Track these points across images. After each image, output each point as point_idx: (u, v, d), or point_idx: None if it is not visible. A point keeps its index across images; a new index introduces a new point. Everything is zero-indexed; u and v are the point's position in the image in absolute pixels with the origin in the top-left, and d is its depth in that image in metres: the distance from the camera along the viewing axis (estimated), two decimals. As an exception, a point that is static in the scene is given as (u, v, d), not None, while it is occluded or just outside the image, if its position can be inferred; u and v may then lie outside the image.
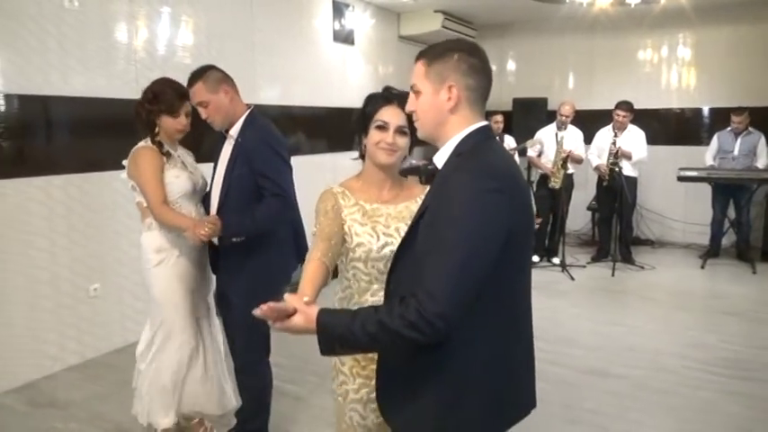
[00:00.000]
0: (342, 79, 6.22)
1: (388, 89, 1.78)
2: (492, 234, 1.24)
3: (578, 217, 7.23)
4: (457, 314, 1.21)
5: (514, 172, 1.38)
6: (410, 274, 1.34)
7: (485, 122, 1.40)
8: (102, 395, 3.33)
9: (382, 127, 1.70)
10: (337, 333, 1.26)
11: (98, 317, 3.85)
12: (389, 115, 1.70)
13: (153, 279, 2.56)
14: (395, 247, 1.62)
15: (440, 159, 1.40)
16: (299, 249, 2.59)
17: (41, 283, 3.54)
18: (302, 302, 1.32)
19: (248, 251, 2.48)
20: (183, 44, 4.40)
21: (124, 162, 2.58)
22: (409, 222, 1.68)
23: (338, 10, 6.04)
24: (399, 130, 1.70)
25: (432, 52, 1.39)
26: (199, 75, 2.45)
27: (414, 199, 1.79)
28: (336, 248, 1.69)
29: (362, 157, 1.80)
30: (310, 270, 1.60)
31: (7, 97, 3.34)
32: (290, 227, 2.57)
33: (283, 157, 2.46)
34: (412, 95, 1.44)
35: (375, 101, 1.74)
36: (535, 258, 6.23)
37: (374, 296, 1.71)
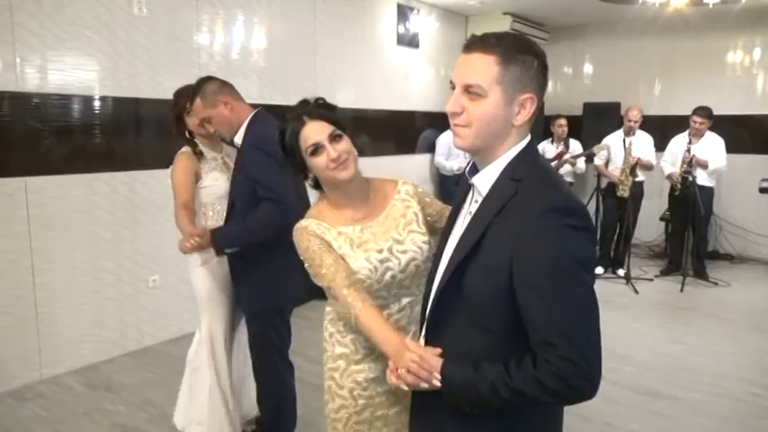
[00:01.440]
0: (405, 82, 6.24)
1: (294, 109, 1.61)
2: (591, 272, 1.15)
3: (651, 227, 6.87)
4: (600, 368, 1.10)
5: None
6: (459, 318, 1.23)
7: (530, 137, 1.25)
8: (153, 381, 3.51)
9: (316, 150, 1.54)
10: (465, 394, 1.17)
11: (156, 307, 4.06)
12: (314, 133, 1.54)
13: (195, 278, 2.66)
14: (395, 270, 1.55)
15: (485, 182, 1.23)
16: (303, 281, 2.46)
17: (105, 272, 3.79)
18: (437, 351, 1.23)
19: (249, 264, 2.40)
20: (245, 49, 4.56)
21: None
22: (396, 233, 1.59)
23: (403, 13, 6.06)
24: (333, 138, 1.54)
25: (505, 48, 1.15)
26: (195, 91, 2.43)
27: (389, 202, 1.64)
28: (363, 284, 1.52)
29: (317, 186, 1.65)
30: (376, 317, 1.42)
31: (80, 98, 3.60)
32: (295, 254, 2.41)
33: (275, 158, 2.20)
34: (461, 95, 1.19)
35: (290, 129, 1.57)
36: (599, 270, 5.99)
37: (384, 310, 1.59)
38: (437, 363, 1.19)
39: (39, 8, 3.35)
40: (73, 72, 3.55)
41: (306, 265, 1.59)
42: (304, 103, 1.62)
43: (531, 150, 1.23)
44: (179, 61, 4.03)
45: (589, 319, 1.11)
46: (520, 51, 1.16)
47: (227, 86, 2.45)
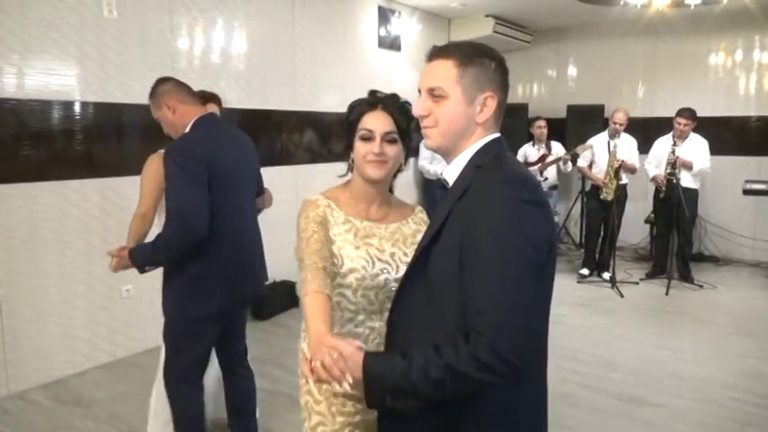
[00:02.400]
0: (387, 86, 6.13)
1: (373, 92, 1.60)
2: (540, 250, 1.13)
3: (636, 230, 6.84)
4: (528, 347, 1.10)
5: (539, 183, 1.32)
6: (422, 306, 1.24)
7: (499, 134, 1.30)
8: (124, 395, 3.39)
9: (367, 137, 1.51)
10: (391, 383, 1.10)
11: (130, 317, 3.94)
12: (374, 122, 1.52)
13: None
14: (390, 276, 1.51)
15: (451, 173, 1.28)
16: (231, 292, 2.31)
17: (76, 282, 3.67)
18: (352, 346, 1.13)
19: (169, 267, 2.30)
20: (222, 52, 4.46)
21: None
22: (403, 247, 1.56)
23: (384, 16, 6.00)
24: (387, 138, 1.52)
25: (462, 53, 1.24)
26: (150, 92, 2.37)
27: (405, 220, 1.63)
28: (331, 276, 1.44)
29: (351, 170, 1.62)
30: (318, 305, 1.31)
31: (46, 103, 3.48)
32: (217, 262, 2.24)
33: (182, 167, 2.12)
34: (426, 99, 1.26)
35: (358, 107, 1.56)
36: (584, 272, 5.95)
37: (358, 327, 1.53)
38: (357, 357, 1.11)
39: (2, 11, 3.24)
40: (39, 76, 3.43)
41: (297, 235, 1.54)
42: (394, 96, 1.60)
43: (497, 143, 1.27)
44: (151, 65, 3.91)
45: (526, 298, 1.10)
46: (476, 55, 1.24)
47: (178, 88, 2.34)
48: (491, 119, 1.26)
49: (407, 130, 1.57)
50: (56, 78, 3.50)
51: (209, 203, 2.16)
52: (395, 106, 1.56)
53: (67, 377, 3.62)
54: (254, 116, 4.71)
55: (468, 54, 1.23)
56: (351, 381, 1.08)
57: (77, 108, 3.62)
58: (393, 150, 1.54)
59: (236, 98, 4.52)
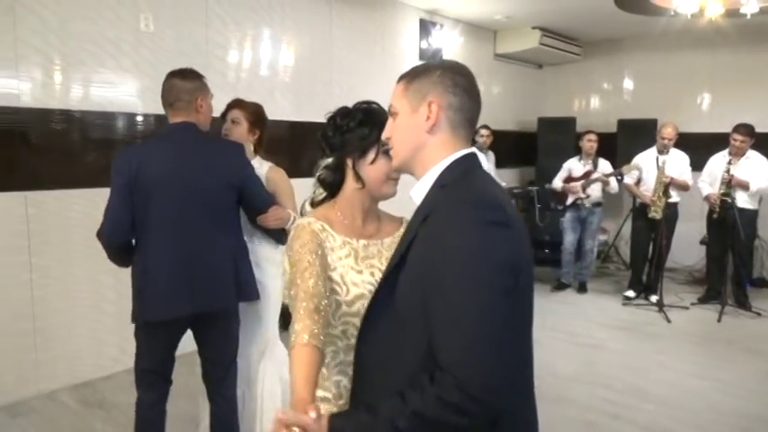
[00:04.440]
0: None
1: (368, 103, 1.50)
2: (508, 275, 1.03)
3: (691, 251, 6.46)
4: (508, 380, 1.01)
5: (509, 202, 1.20)
6: (391, 341, 1.15)
7: (471, 149, 1.22)
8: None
9: (388, 152, 1.35)
10: None
11: (158, 323, 4.02)
12: None
13: None
14: None
15: (418, 193, 1.21)
16: (152, 304, 2.28)
17: (105, 287, 3.77)
18: (309, 419, 1.01)
19: None
20: (257, 64, 4.54)
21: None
22: None
23: (425, 28, 5.96)
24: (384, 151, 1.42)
25: (413, 71, 1.25)
26: None
27: (395, 233, 1.49)
28: (327, 316, 1.30)
29: (337, 185, 1.48)
30: (303, 363, 1.18)
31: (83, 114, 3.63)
32: (139, 271, 2.29)
33: (112, 174, 2.22)
34: (390, 120, 1.27)
35: (377, 116, 1.43)
36: (630, 294, 5.66)
37: None
38: (319, 426, 1.01)
39: (43, 25, 3.40)
40: (77, 88, 3.57)
41: (286, 264, 1.40)
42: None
43: (466, 160, 1.20)
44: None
45: (495, 328, 1.00)
46: (424, 68, 1.23)
47: (163, 94, 2.37)
48: (445, 129, 1.19)
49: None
50: (92, 90, 3.63)
51: (124, 212, 2.22)
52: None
53: (95, 380, 3.72)
54: (286, 127, 4.76)
55: (418, 69, 1.24)
56: None
57: (112, 119, 3.75)
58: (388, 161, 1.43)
59: (270, 110, 4.55)
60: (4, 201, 3.35)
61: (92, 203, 3.66)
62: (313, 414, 1.02)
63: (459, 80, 1.19)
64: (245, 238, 2.51)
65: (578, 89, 7.83)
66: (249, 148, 2.64)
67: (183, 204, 2.26)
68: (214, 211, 2.32)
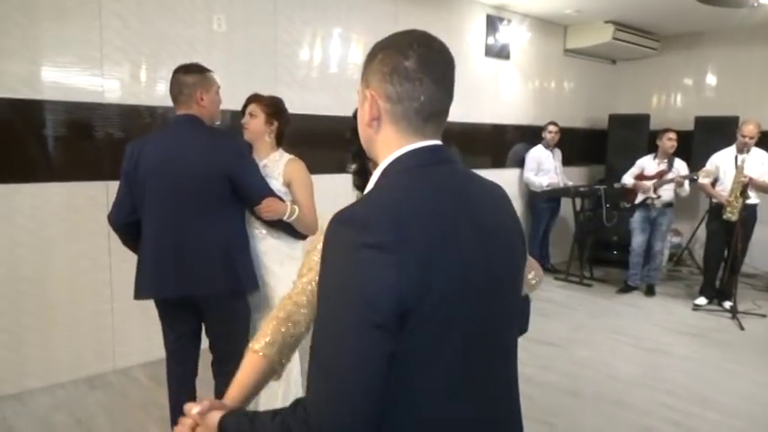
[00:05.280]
0: (494, 95, 6.07)
1: None
2: (382, 309, 0.87)
3: (773, 257, 6.11)
4: (354, 423, 0.88)
5: (425, 216, 0.93)
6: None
7: (422, 144, 1.02)
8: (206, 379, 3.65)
9: None
10: None
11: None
12: None
13: None
14: None
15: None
16: (149, 283, 2.52)
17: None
18: (194, 413, 1.09)
19: None
20: (324, 62, 4.66)
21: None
22: None
23: (492, 24, 5.92)
24: None
25: (369, 52, 1.08)
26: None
27: None
28: (295, 332, 1.26)
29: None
30: (244, 367, 1.23)
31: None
32: (141, 250, 2.54)
33: (124, 162, 2.47)
34: None
35: None
36: (701, 301, 5.42)
37: None
38: (212, 421, 1.06)
39: (125, 26, 3.65)
40: (154, 86, 3.81)
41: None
42: None
43: (409, 158, 1.01)
44: (255, 76, 4.19)
45: (345, 365, 0.88)
46: (372, 50, 1.06)
47: None
48: (385, 125, 1.03)
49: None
50: (164, 87, 3.86)
51: (126, 196, 2.46)
52: None
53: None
54: (350, 124, 4.86)
55: (370, 51, 1.07)
56: None
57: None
58: None
59: (336, 107, 4.68)
60: (90, 189, 3.63)
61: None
62: (196, 409, 1.08)
63: (402, 64, 1.00)
64: (264, 232, 2.62)
65: (654, 85, 7.53)
66: (266, 140, 2.69)
67: (174, 191, 2.39)
68: (204, 200, 2.40)
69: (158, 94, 3.83)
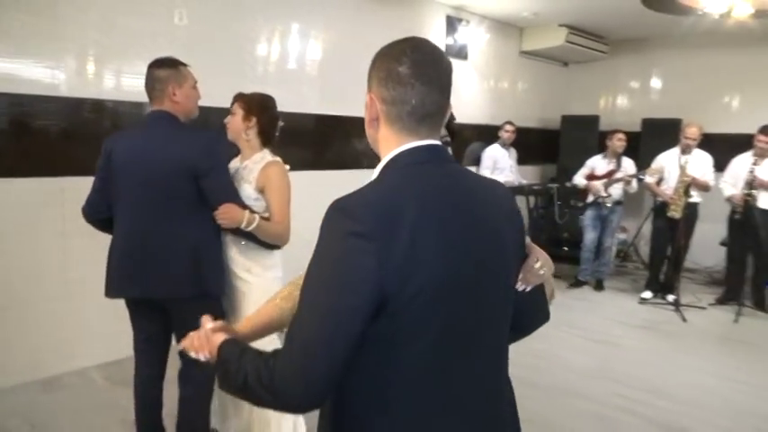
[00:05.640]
0: (453, 94, 6.12)
1: None
2: (360, 293, 0.96)
3: (710, 252, 6.43)
4: (311, 391, 0.99)
5: (412, 211, 1.00)
6: None
7: (421, 143, 1.10)
8: (172, 379, 3.59)
9: None
10: (224, 367, 1.12)
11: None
12: None
13: None
14: None
15: None
16: (115, 280, 2.43)
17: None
18: (207, 327, 1.24)
19: None
20: (286, 58, 4.64)
21: None
22: None
23: (452, 25, 6.01)
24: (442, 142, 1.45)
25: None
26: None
27: None
28: None
29: None
30: (262, 310, 1.41)
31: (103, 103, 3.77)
32: (110, 247, 2.45)
33: (99, 157, 2.47)
34: None
35: None
36: (647, 294, 5.68)
37: None
38: (216, 340, 1.18)
39: (85, 19, 3.54)
40: (114, 80, 3.72)
41: None
42: None
43: (404, 156, 1.09)
44: (220, 71, 4.13)
45: (315, 337, 0.98)
46: (373, 57, 1.15)
47: None
48: (384, 125, 1.12)
49: (452, 128, 1.49)
50: (128, 80, 3.78)
51: (98, 192, 2.43)
52: None
53: (124, 359, 3.87)
54: (315, 120, 4.87)
55: (371, 60, 1.16)
56: (203, 357, 1.21)
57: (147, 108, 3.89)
58: None
59: (298, 102, 4.67)
60: (45, 185, 3.51)
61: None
62: (210, 325, 1.25)
63: (396, 69, 1.08)
64: (230, 237, 2.47)
65: (603, 87, 7.82)
66: (245, 138, 2.55)
67: (141, 190, 2.32)
68: (172, 200, 2.31)
69: (119, 88, 3.74)
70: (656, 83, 7.49)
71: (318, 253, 1.01)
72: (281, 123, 2.66)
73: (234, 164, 2.65)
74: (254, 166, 2.52)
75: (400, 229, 0.97)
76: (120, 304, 3.77)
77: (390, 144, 1.11)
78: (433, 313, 1.01)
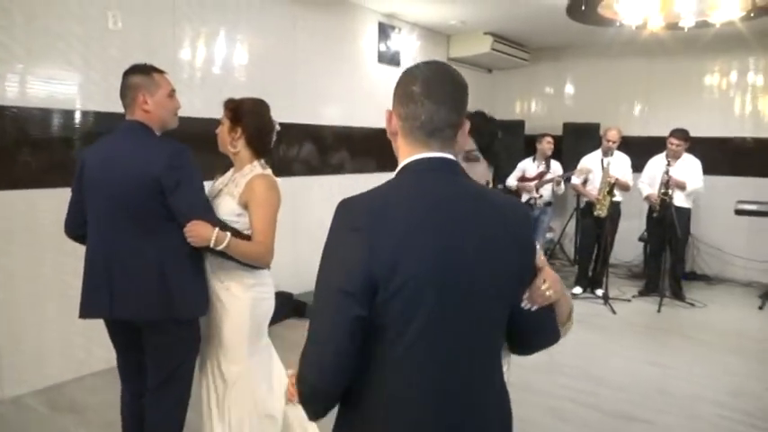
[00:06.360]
0: (386, 101, 6.19)
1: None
2: (352, 278, 1.09)
3: (629, 248, 6.89)
4: (323, 385, 1.14)
5: (405, 209, 1.14)
6: None
7: (429, 155, 1.20)
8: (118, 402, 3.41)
9: None
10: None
11: (126, 324, 3.97)
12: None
13: None
14: None
15: None
16: (87, 298, 2.29)
17: (72, 288, 3.68)
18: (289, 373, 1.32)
19: None
20: (223, 65, 4.54)
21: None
22: None
23: (384, 32, 6.09)
24: (468, 157, 1.51)
25: None
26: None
27: None
28: None
29: None
30: None
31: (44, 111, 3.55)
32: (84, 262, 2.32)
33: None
34: None
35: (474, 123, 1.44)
36: (577, 290, 6.00)
37: None
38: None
39: (9, 20, 3.31)
40: (44, 86, 3.49)
41: None
42: (475, 114, 1.57)
43: (414, 164, 1.21)
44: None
45: (321, 325, 1.14)
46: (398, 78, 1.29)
47: None
48: (402, 137, 1.24)
49: (490, 146, 1.56)
50: (58, 87, 3.56)
51: (74, 206, 2.34)
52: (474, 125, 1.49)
53: (63, 383, 3.65)
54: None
55: None
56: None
57: (78, 116, 3.68)
58: (474, 168, 1.50)
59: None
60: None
61: (62, 203, 3.60)
62: (289, 372, 1.29)
63: (409, 90, 1.21)
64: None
65: (526, 93, 8.18)
66: (232, 150, 2.38)
67: (108, 205, 2.20)
68: (139, 216, 2.18)
69: (48, 95, 3.51)
70: (574, 89, 7.92)
71: (326, 247, 1.16)
72: (277, 128, 2.49)
73: (224, 177, 2.49)
74: (241, 180, 2.34)
75: (391, 224, 1.11)
76: (51, 326, 3.58)
77: (404, 154, 1.24)
78: (419, 306, 1.11)
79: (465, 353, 1.18)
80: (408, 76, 1.24)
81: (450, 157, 1.23)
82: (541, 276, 1.28)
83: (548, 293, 1.27)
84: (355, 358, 1.11)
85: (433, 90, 1.20)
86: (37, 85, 3.47)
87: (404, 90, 1.23)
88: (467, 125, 1.27)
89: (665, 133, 5.81)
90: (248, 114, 2.37)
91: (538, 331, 1.34)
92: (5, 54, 3.31)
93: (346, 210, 1.14)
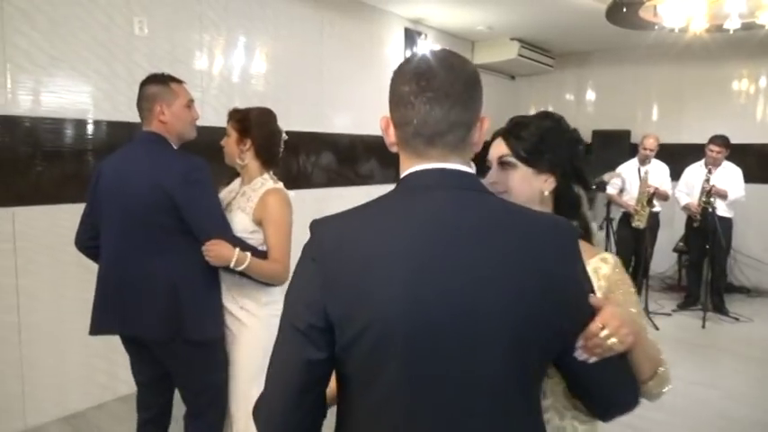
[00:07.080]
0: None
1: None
2: (311, 313, 0.94)
3: (664, 259, 6.63)
4: (276, 417, 0.99)
5: (375, 239, 0.94)
6: None
7: (423, 167, 0.99)
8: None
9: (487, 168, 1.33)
10: None
11: (151, 346, 3.77)
12: (491, 152, 1.34)
13: None
14: None
15: None
16: (99, 313, 2.21)
17: (96, 309, 3.50)
18: None
19: None
20: (249, 72, 4.36)
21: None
22: None
23: (410, 38, 5.91)
24: (501, 162, 1.31)
25: None
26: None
27: None
28: None
29: None
30: None
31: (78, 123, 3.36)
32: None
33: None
34: None
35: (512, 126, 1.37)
36: (614, 303, 5.75)
37: None
38: None
39: (32, 26, 3.14)
40: (67, 95, 3.32)
41: None
42: (511, 122, 1.40)
43: (407, 179, 1.00)
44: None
45: (274, 360, 1.01)
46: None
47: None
48: (400, 146, 1.02)
49: (534, 150, 1.30)
50: (81, 97, 3.39)
51: (87, 218, 2.26)
52: (506, 127, 1.36)
53: (86, 410, 3.45)
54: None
55: None
56: None
57: (102, 128, 3.50)
58: (506, 176, 1.30)
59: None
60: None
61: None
62: None
63: (400, 89, 0.99)
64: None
65: (550, 100, 7.96)
66: (240, 163, 2.27)
67: (122, 220, 2.10)
68: (151, 230, 2.07)
69: (72, 105, 3.34)
70: (600, 95, 7.70)
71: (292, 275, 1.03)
72: (284, 137, 2.37)
73: (233, 186, 2.39)
74: (252, 194, 2.23)
75: (356, 255, 0.93)
76: (74, 350, 3.38)
77: (403, 167, 1.02)
78: (387, 356, 0.90)
79: (463, 414, 0.93)
80: (398, 73, 1.01)
81: (455, 167, 0.98)
82: (599, 320, 0.99)
83: (609, 342, 0.98)
84: (312, 403, 0.98)
85: (425, 85, 0.96)
86: (60, 94, 3.29)
87: (393, 90, 1.00)
88: (485, 122, 1.03)
89: (697, 140, 5.58)
90: (257, 125, 2.27)
91: (603, 389, 1.07)
92: (26, 62, 3.14)
93: (311, 233, 0.99)
